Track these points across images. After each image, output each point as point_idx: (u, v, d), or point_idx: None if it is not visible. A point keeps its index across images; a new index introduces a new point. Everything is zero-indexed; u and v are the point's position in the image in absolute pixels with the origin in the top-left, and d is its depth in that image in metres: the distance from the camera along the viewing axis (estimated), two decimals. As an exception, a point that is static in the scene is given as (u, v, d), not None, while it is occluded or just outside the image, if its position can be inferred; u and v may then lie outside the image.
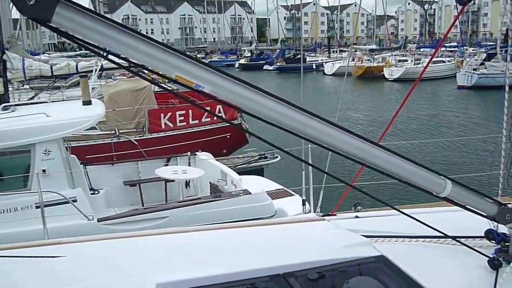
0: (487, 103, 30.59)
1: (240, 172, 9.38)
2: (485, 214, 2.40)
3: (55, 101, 11.40)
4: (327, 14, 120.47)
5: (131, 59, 1.61)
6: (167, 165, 9.09)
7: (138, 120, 12.29)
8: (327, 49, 77.99)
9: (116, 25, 1.56)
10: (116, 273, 2.30)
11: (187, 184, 8.96)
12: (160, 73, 1.68)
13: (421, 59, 48.61)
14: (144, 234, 2.89)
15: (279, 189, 8.36)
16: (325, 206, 5.01)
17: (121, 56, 1.63)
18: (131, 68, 1.87)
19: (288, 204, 7.50)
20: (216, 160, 9.28)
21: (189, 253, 2.58)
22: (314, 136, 2.00)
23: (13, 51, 12.34)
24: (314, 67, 61.42)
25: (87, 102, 7.75)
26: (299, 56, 63.75)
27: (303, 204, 6.54)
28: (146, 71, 1.80)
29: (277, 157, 11.83)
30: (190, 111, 12.43)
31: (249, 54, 77.50)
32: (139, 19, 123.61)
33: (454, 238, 2.58)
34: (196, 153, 9.30)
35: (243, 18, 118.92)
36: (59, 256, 2.45)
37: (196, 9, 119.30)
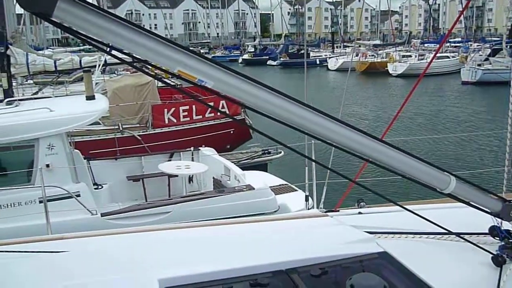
0: (491, 98, 30.48)
1: (244, 168, 9.38)
2: (489, 211, 2.39)
3: (59, 96, 11.43)
4: (330, 9, 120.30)
5: (133, 54, 1.61)
6: (170, 160, 9.10)
7: (141, 115, 12.29)
8: (330, 44, 77.80)
9: (118, 20, 1.55)
10: (119, 268, 2.30)
11: (190, 179, 8.97)
12: (163, 68, 1.67)
13: (425, 54, 48.44)
14: (147, 230, 2.89)
15: (282, 185, 8.36)
16: (328, 202, 5.00)
17: (124, 51, 1.62)
18: (134, 64, 1.86)
19: (291, 199, 7.51)
20: (220, 155, 9.28)
21: (191, 248, 2.58)
22: (317, 131, 1.99)
23: (17, 46, 12.34)
24: (318, 62, 61.32)
25: (90, 97, 7.76)
26: (302, 51, 63.71)
27: (306, 200, 6.54)
28: (150, 67, 1.79)
29: (280, 152, 11.82)
30: (193, 106, 12.42)
31: (253, 49, 77.37)
32: (143, 14, 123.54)
33: (457, 234, 2.57)
34: (200, 148, 9.31)
35: (247, 13, 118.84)
36: (62, 251, 2.46)
37: (200, 4, 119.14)
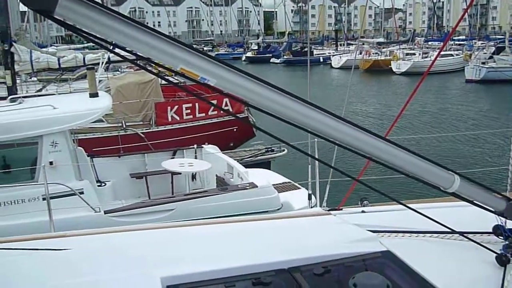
0: (495, 97, 30.38)
1: (247, 165, 9.38)
2: (493, 210, 2.38)
3: (63, 93, 11.45)
4: (334, 7, 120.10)
5: (135, 52, 1.60)
6: (173, 157, 9.11)
7: (145, 113, 12.31)
8: (334, 42, 77.67)
9: (120, 17, 1.54)
10: (121, 266, 2.30)
11: (193, 176, 8.98)
12: (165, 65, 1.66)
13: (429, 52, 48.29)
14: (149, 228, 2.89)
15: (285, 182, 8.36)
16: (332, 201, 5.00)
17: (127, 49, 1.62)
18: (137, 62, 1.86)
19: (295, 197, 7.50)
20: (223, 153, 9.28)
21: (194, 247, 2.58)
22: (320, 129, 1.98)
23: (20, 43, 12.37)
24: (321, 60, 61.24)
25: (94, 95, 7.77)
26: (306, 49, 63.60)
27: (309, 198, 6.53)
28: (153, 64, 1.79)
29: (283, 150, 11.82)
30: (196, 104, 12.44)
31: (256, 47, 77.30)
32: (146, 12, 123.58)
33: (461, 233, 2.56)
34: (203, 146, 9.30)
35: (250, 11, 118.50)
36: (64, 249, 2.46)
37: (203, 2, 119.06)
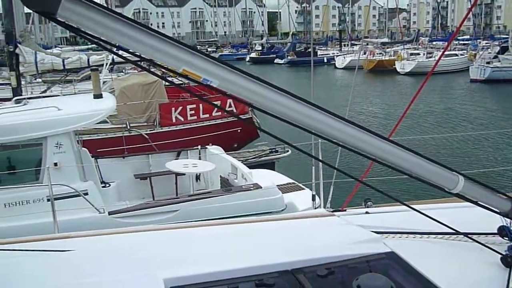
0: (500, 96, 30.28)
1: (251, 166, 9.38)
2: (498, 211, 2.36)
3: (67, 95, 11.49)
4: (338, 7, 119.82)
5: (137, 53, 1.60)
6: (177, 158, 9.12)
7: (149, 114, 12.33)
8: (338, 43, 77.60)
9: (122, 18, 1.54)
10: (124, 268, 2.30)
11: (197, 177, 8.99)
12: (167, 67, 1.66)
13: (434, 52, 48.15)
14: (153, 229, 2.90)
15: (289, 183, 8.35)
16: (336, 202, 4.98)
17: (130, 50, 1.62)
18: (141, 63, 1.86)
19: (299, 198, 7.49)
20: (227, 154, 9.28)
21: (197, 248, 2.57)
22: (323, 130, 1.98)
23: (25, 45, 12.43)
24: (325, 60, 61.18)
25: (98, 96, 7.79)
26: (310, 50, 63.58)
27: (313, 199, 6.52)
28: (157, 66, 1.79)
29: (288, 151, 11.81)
30: (200, 105, 12.44)
31: (260, 48, 77.37)
32: (150, 13, 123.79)
33: (466, 234, 2.55)
34: (207, 146, 9.31)
35: (254, 12, 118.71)
36: (68, 250, 2.46)
37: (207, 3, 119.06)
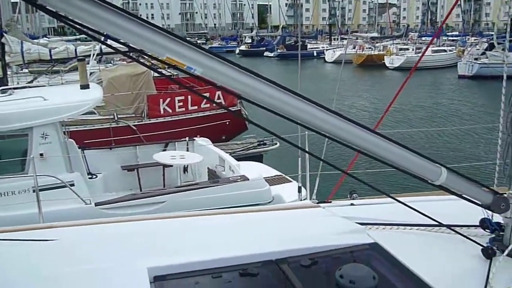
0: (487, 92, 30.54)
1: (239, 159, 9.38)
2: (480, 203, 2.39)
3: (54, 85, 11.37)
4: (328, 1, 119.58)
5: (126, 43, 1.59)
6: (165, 150, 9.09)
7: (137, 105, 12.25)
8: (328, 37, 77.63)
9: (105, 4, 1.53)
10: (108, 257, 2.30)
11: (185, 169, 8.97)
12: (157, 57, 1.65)
13: (422, 47, 48.39)
14: (137, 219, 2.89)
15: (277, 176, 8.37)
16: (322, 194, 5.00)
17: (121, 41, 1.61)
18: (129, 53, 1.84)
19: (286, 190, 7.51)
20: (215, 146, 9.27)
21: (182, 238, 2.58)
22: (309, 121, 1.98)
23: (11, 34, 12.26)
24: (315, 54, 61.25)
25: (84, 86, 7.72)
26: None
27: (299, 191, 6.55)
28: (145, 57, 1.78)
29: (276, 143, 11.82)
30: (189, 97, 12.39)
31: (250, 41, 77.16)
32: (139, 4, 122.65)
33: (448, 226, 2.58)
34: (195, 138, 9.29)
35: (244, 4, 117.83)
36: (50, 240, 2.45)
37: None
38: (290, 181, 7.97)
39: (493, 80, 33.40)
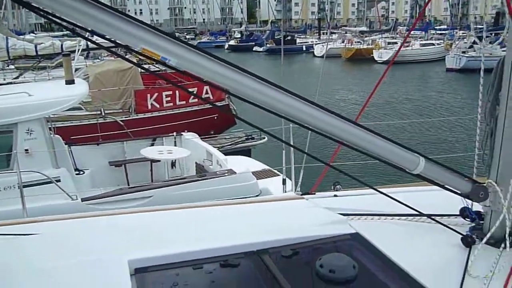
0: (475, 85, 30.70)
1: (227, 153, 9.37)
2: (459, 192, 2.41)
3: (41, 81, 11.28)
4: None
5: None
6: (153, 145, 9.06)
7: (124, 100, 12.16)
8: (317, 31, 77.68)
9: None
10: (89, 251, 2.29)
11: (173, 164, 8.95)
12: (144, 53, 1.64)
13: (411, 41, 48.65)
14: (120, 213, 2.88)
15: (264, 170, 8.37)
16: (308, 185, 5.02)
17: (106, 36, 1.60)
18: (112, 48, 1.83)
19: (273, 184, 7.52)
20: (203, 140, 9.26)
21: (164, 230, 2.58)
22: (291, 114, 1.99)
23: (-3, 30, 12.13)
24: (304, 48, 61.34)
25: (70, 81, 7.66)
26: (289, 38, 63.55)
27: (284, 183, 6.57)
28: (132, 52, 1.77)
29: (264, 138, 11.81)
30: (177, 92, 12.31)
31: (239, 35, 77.01)
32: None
33: (429, 216, 2.60)
34: (182, 133, 9.27)
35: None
36: (33, 234, 2.44)
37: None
38: (278, 175, 7.98)
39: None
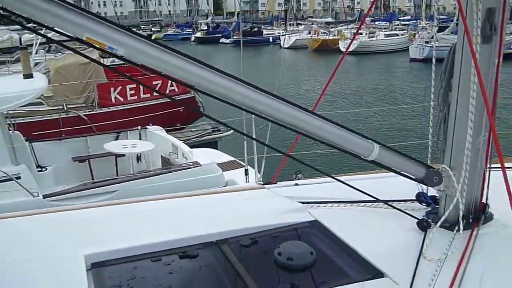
0: (437, 74, 31.41)
1: (194, 145, 9.31)
2: (413, 177, 2.46)
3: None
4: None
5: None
6: (117, 139, 8.92)
7: (87, 94, 11.90)
8: (283, 22, 77.76)
9: None
10: (45, 247, 2.25)
11: (138, 158, 8.83)
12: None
13: (376, 32, 49.29)
14: (78, 208, 2.83)
15: (230, 161, 8.36)
16: (272, 175, 5.04)
17: (56, 29, 1.54)
18: (64, 42, 1.78)
19: (240, 175, 7.51)
20: (168, 133, 9.16)
21: (122, 224, 2.55)
22: (249, 104, 1.98)
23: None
24: (271, 40, 61.33)
25: (28, 76, 7.44)
26: (255, 29, 63.46)
27: (246, 174, 6.58)
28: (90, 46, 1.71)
29: (230, 129, 11.77)
30: (141, 85, 12.10)
31: (205, 28, 76.34)
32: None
33: (385, 202, 2.65)
34: (147, 127, 9.16)
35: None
36: None
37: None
38: (244, 166, 7.98)
39: (443, 62, 34.46)
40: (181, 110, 12.47)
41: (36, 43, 12.56)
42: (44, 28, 1.64)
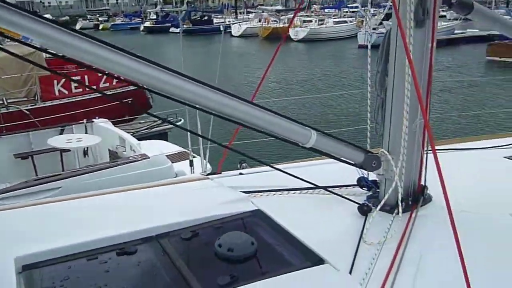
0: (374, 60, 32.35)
1: (143, 138, 9.13)
2: (352, 163, 2.48)
3: None
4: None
5: None
6: (62, 133, 8.62)
7: (28, 88, 11.39)
8: (234, 11, 77.43)
9: None
10: None
11: (85, 152, 8.58)
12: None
13: (325, 19, 49.89)
14: (10, 208, 2.69)
15: (180, 152, 8.25)
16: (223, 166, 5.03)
17: None
18: None
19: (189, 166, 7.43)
20: (116, 126, 8.94)
21: (55, 223, 2.44)
22: (185, 97, 1.93)
23: None
24: (222, 28, 60.90)
25: None
26: (205, 18, 62.82)
27: (191, 165, 6.53)
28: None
29: (180, 120, 11.60)
30: (85, 76, 11.67)
31: (155, 17, 74.95)
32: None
33: (325, 188, 2.66)
34: (93, 120, 8.89)
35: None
36: None
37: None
38: (194, 157, 7.89)
39: (390, 48, 35.37)
40: (129, 102, 12.15)
41: (-32, 36, 11.86)
42: None
